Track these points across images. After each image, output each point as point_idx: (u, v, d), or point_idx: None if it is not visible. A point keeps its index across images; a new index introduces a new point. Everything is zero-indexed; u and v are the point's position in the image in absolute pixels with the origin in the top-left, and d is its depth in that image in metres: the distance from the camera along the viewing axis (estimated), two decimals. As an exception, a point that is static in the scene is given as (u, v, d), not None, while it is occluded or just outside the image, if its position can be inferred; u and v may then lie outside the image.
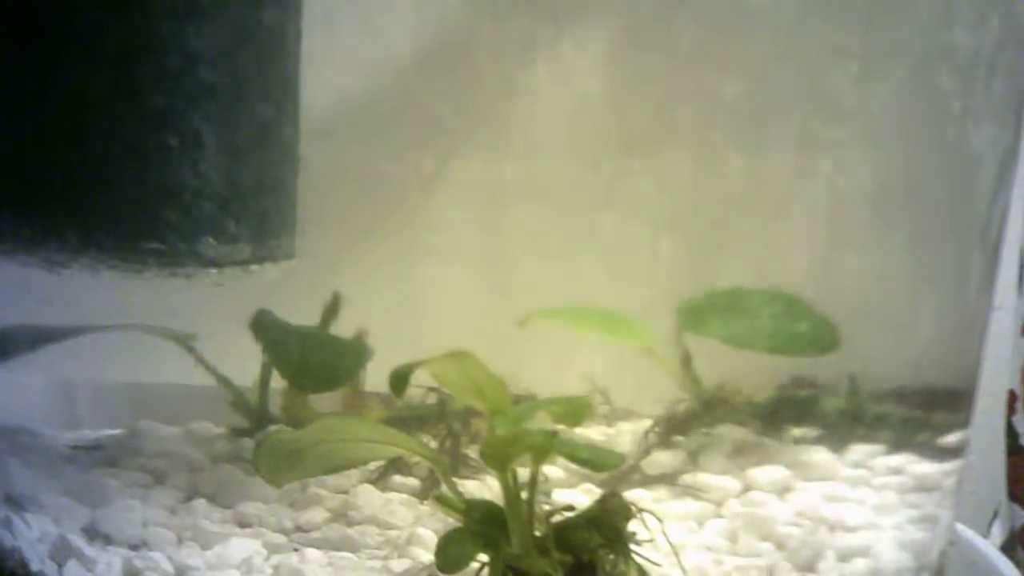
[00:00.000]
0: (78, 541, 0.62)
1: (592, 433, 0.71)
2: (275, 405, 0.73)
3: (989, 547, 0.78)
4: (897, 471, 0.70)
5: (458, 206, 0.68)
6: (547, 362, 0.68)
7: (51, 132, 0.59)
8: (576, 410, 0.60)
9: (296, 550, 0.63)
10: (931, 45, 0.65)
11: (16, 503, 0.66)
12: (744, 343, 0.68)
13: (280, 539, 0.64)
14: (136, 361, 0.72)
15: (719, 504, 0.67)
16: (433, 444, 0.69)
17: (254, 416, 0.74)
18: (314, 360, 0.69)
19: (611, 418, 0.72)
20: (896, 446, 0.71)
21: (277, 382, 0.72)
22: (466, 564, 0.57)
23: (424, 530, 0.63)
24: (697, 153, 0.66)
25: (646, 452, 0.70)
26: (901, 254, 0.69)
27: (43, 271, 0.60)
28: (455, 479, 0.60)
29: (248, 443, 0.73)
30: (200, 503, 0.67)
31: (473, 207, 0.68)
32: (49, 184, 0.59)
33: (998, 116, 0.68)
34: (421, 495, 0.68)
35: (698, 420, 0.72)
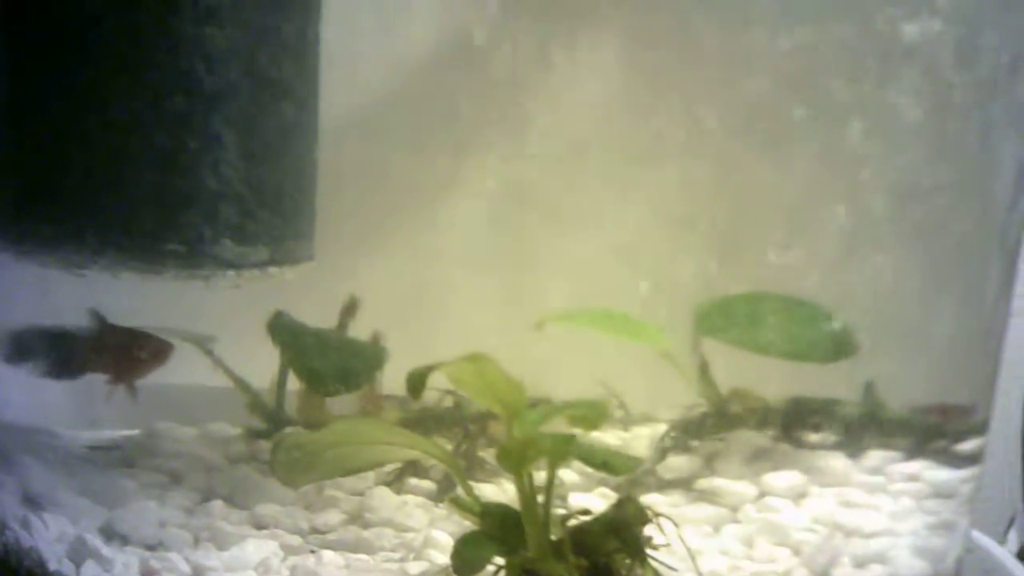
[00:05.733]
0: (95, 541, 0.62)
1: (608, 437, 0.71)
2: (291, 407, 0.74)
3: (1006, 554, 0.77)
4: (914, 478, 0.70)
5: (474, 209, 0.68)
6: (563, 366, 0.68)
7: (71, 134, 0.59)
8: (592, 414, 0.60)
9: (312, 552, 0.63)
10: (951, 47, 0.65)
11: (34, 503, 0.66)
12: (761, 348, 0.68)
13: (296, 541, 0.64)
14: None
15: (735, 509, 0.67)
16: (449, 447, 0.70)
17: (270, 418, 0.74)
18: (331, 362, 0.69)
19: (627, 422, 0.72)
20: (913, 452, 0.71)
21: (294, 384, 0.73)
22: (482, 567, 0.57)
23: (440, 533, 0.63)
24: (716, 159, 0.66)
25: (662, 456, 0.70)
26: (919, 260, 0.69)
27: (62, 272, 0.61)
28: (471, 482, 0.60)
29: (265, 445, 0.73)
30: (217, 504, 0.67)
31: (489, 210, 0.68)
32: (69, 185, 0.60)
33: (1017, 121, 0.67)
34: (437, 498, 0.68)
35: (714, 425, 0.71)
